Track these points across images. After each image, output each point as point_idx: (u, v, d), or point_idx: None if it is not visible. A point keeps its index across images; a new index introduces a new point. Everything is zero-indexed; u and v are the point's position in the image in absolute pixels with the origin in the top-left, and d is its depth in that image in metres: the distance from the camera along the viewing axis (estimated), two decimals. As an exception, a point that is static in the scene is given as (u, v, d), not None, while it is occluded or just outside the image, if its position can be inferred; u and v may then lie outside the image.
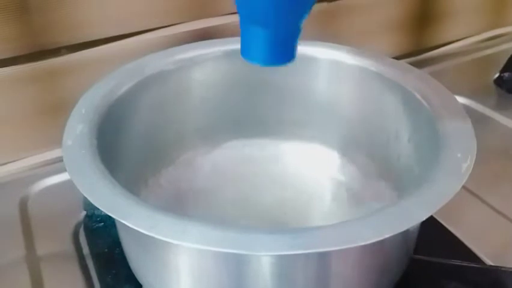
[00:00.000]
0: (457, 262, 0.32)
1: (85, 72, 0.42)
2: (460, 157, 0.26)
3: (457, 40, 0.63)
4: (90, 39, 0.42)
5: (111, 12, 0.42)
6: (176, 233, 0.22)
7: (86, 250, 0.35)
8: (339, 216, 0.36)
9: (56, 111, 0.43)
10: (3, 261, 0.35)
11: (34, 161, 0.44)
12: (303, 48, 0.36)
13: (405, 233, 0.24)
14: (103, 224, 0.37)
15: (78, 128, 0.29)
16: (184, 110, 0.38)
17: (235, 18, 0.24)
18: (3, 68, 0.40)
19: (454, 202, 0.24)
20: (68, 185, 0.26)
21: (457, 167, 0.26)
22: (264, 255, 0.23)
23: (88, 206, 0.37)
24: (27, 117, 0.42)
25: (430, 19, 0.59)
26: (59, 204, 0.39)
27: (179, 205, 0.36)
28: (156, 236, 0.22)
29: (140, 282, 0.30)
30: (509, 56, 0.54)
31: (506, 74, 0.53)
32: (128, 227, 0.23)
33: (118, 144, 0.32)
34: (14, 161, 0.44)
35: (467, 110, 0.30)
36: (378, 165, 0.37)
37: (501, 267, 0.32)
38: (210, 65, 0.38)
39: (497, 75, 0.54)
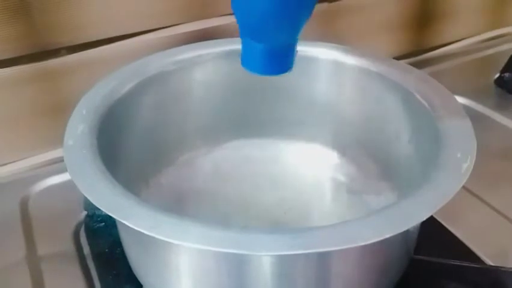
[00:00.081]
0: (457, 262, 0.32)
1: (86, 72, 0.42)
2: (460, 157, 0.26)
3: (457, 40, 0.63)
4: (91, 40, 0.42)
5: (112, 13, 0.42)
6: (177, 233, 0.22)
7: (86, 250, 0.35)
8: (339, 216, 0.36)
9: (56, 112, 0.43)
10: (4, 261, 0.35)
11: (35, 161, 0.44)
12: (304, 48, 0.37)
13: (406, 233, 0.24)
14: (103, 224, 0.37)
15: (79, 128, 0.29)
16: (184, 110, 0.38)
17: (235, 19, 0.25)
18: (4, 69, 0.40)
19: (454, 202, 0.24)
20: (69, 185, 0.26)
21: (457, 167, 0.26)
22: (264, 255, 0.23)
23: (89, 206, 0.37)
24: (28, 118, 0.42)
25: (430, 19, 0.59)
26: (60, 204, 0.39)
27: (179, 205, 0.37)
28: (157, 236, 0.22)
29: (141, 282, 0.30)
30: (509, 56, 0.54)
31: (506, 74, 0.53)
32: (129, 227, 0.23)
33: (118, 144, 0.32)
34: (15, 161, 0.44)
35: (467, 110, 0.30)
36: (378, 166, 0.37)
37: (501, 267, 0.32)
38: (210, 65, 0.38)
39: (497, 75, 0.54)
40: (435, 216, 0.36)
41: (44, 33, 0.40)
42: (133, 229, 0.22)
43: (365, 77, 0.36)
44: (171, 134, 0.38)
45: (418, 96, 0.32)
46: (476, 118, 0.30)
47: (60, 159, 0.27)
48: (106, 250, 0.35)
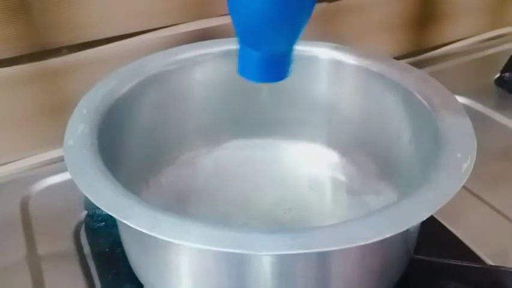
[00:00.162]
0: (457, 262, 0.32)
1: (86, 72, 0.42)
2: (460, 157, 0.26)
3: (458, 40, 0.63)
4: (91, 40, 0.42)
5: (112, 13, 0.42)
6: (178, 233, 0.22)
7: (87, 250, 0.35)
8: (339, 216, 0.36)
9: (57, 111, 0.43)
10: (4, 260, 0.35)
11: (35, 161, 0.44)
12: (304, 48, 0.37)
13: (406, 233, 0.24)
14: (104, 223, 0.37)
15: (79, 128, 0.29)
16: (184, 110, 0.38)
17: (233, 25, 0.25)
18: (5, 68, 0.40)
19: (454, 202, 0.24)
20: (69, 184, 0.26)
21: (457, 167, 0.26)
22: (264, 255, 0.23)
23: (89, 205, 0.37)
24: (28, 117, 0.42)
25: (430, 19, 0.59)
26: (60, 203, 0.39)
27: (180, 205, 0.36)
28: (157, 236, 0.22)
29: (141, 281, 0.30)
30: (509, 56, 0.54)
31: (507, 74, 0.53)
32: (129, 226, 0.23)
33: (119, 144, 0.32)
34: (15, 160, 0.44)
35: (468, 110, 0.30)
36: (378, 166, 0.37)
37: (501, 267, 0.32)
38: (210, 65, 0.38)
39: (497, 75, 0.54)
40: (435, 216, 0.36)
41: (44, 33, 0.40)
42: (134, 229, 0.23)
43: (365, 77, 0.36)
44: (171, 134, 0.38)
45: (418, 96, 0.32)
46: (476, 118, 0.30)
47: (61, 159, 0.27)
48: (106, 250, 0.35)
